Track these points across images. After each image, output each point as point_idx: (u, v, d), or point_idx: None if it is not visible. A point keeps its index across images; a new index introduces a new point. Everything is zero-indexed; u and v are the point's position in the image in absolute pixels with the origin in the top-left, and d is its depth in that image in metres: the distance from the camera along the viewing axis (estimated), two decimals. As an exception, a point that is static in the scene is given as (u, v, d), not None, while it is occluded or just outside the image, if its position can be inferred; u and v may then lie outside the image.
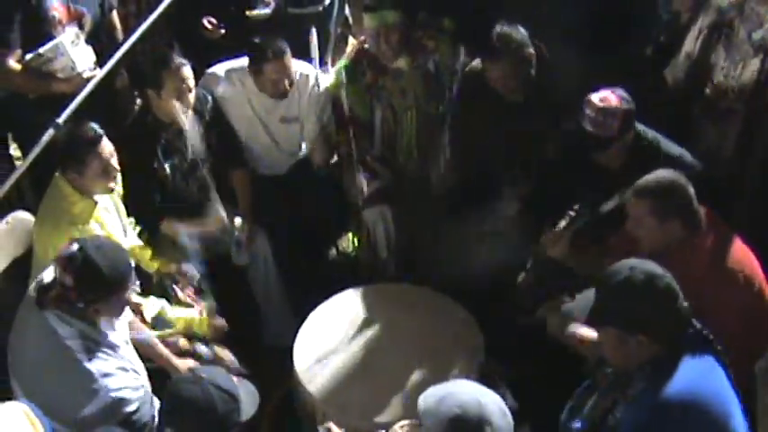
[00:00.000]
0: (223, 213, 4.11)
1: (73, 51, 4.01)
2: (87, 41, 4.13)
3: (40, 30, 4.02)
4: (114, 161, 3.61)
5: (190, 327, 3.73)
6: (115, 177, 3.65)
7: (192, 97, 4.06)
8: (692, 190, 3.20)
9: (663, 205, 3.18)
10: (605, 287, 2.68)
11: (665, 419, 2.52)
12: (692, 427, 2.53)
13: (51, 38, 4.00)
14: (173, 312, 3.76)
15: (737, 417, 2.62)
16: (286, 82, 4.31)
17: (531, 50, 3.94)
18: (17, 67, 4.01)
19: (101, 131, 3.56)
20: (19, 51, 4.00)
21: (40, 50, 3.97)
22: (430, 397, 2.42)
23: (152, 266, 3.95)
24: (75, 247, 2.95)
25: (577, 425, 2.80)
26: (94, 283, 2.93)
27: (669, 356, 2.61)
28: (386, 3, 4.15)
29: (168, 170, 4.13)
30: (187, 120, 4.08)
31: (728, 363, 2.68)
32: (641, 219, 3.23)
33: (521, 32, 3.91)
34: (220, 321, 3.77)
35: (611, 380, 2.76)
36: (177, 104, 4.01)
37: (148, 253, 3.96)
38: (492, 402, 2.39)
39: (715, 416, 2.55)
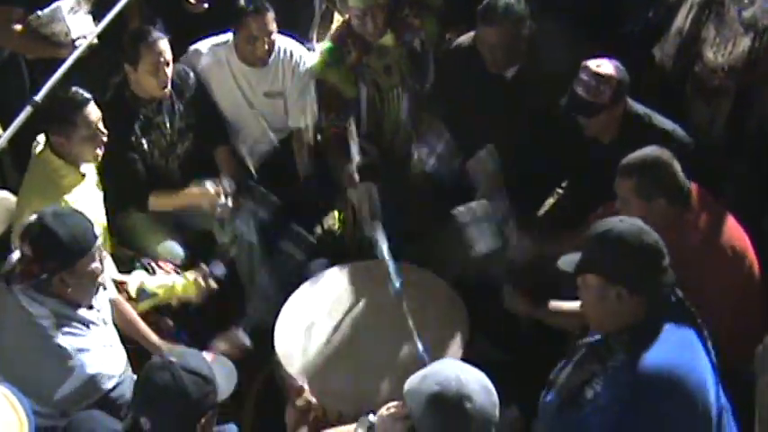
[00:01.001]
0: (211, 188, 4.05)
1: (69, 18, 4.08)
2: (93, 11, 4.17)
3: None
4: (102, 126, 3.62)
5: (171, 292, 3.70)
6: (102, 143, 3.64)
7: (169, 71, 4.01)
8: (677, 167, 3.18)
9: (647, 183, 3.16)
10: (593, 236, 2.70)
11: (644, 391, 2.52)
12: (670, 399, 2.53)
13: (55, 1, 4.05)
14: (152, 282, 3.72)
15: (713, 389, 2.62)
16: (265, 43, 4.26)
17: (528, 23, 3.90)
18: (17, 26, 4.07)
19: (88, 95, 3.57)
20: (20, 10, 4.05)
21: (39, 12, 4.03)
22: (413, 377, 2.43)
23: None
24: (33, 217, 2.96)
25: (549, 397, 2.79)
26: (53, 250, 2.91)
27: (649, 325, 2.61)
28: None
29: (146, 147, 4.09)
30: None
31: (707, 334, 2.68)
32: (627, 198, 3.22)
33: (523, 3, 3.87)
34: (213, 285, 3.73)
35: (587, 351, 2.74)
36: (154, 79, 3.97)
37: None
38: (474, 380, 2.38)
39: (692, 388, 2.55)
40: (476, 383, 2.37)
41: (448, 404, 2.32)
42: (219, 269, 3.96)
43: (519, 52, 3.94)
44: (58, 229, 2.91)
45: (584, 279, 2.71)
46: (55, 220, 2.92)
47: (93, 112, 3.59)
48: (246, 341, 3.54)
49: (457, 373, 2.38)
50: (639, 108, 3.67)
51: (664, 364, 2.54)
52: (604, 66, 3.56)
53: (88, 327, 3.03)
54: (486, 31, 3.89)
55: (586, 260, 2.70)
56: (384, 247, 3.49)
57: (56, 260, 2.93)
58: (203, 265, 3.80)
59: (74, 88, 3.55)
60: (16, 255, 3.03)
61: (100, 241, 3.08)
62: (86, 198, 3.63)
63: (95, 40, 3.56)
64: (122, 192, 3.96)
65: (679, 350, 2.58)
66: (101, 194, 3.80)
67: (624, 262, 2.61)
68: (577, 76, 3.59)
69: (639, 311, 2.62)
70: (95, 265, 3.02)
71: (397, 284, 3.44)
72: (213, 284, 3.74)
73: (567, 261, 2.77)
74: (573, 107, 3.62)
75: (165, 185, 4.14)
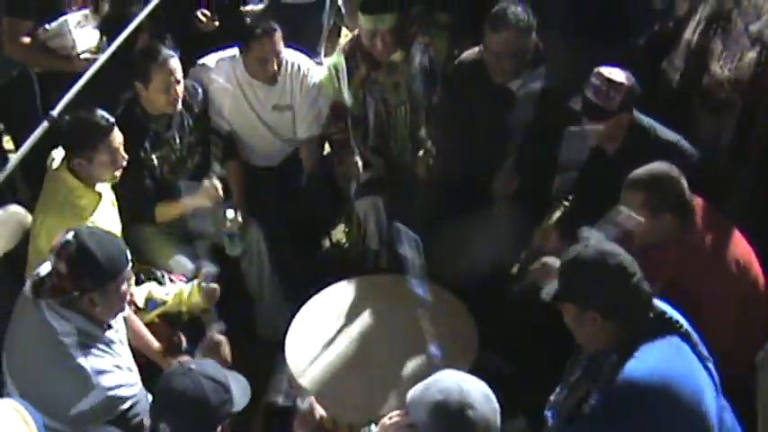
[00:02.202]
0: (217, 184, 4.09)
1: (76, 32, 4.15)
2: (100, 27, 4.25)
3: (56, 6, 4.14)
4: (123, 150, 3.63)
5: (180, 300, 3.71)
6: (121, 167, 3.66)
7: (180, 89, 4.04)
8: (685, 183, 3.19)
9: (655, 199, 3.17)
10: (563, 265, 2.76)
11: (634, 403, 2.54)
12: (663, 409, 2.54)
13: (63, 15, 4.12)
14: (161, 291, 3.75)
15: (709, 396, 2.63)
16: (275, 63, 4.29)
17: (534, 32, 3.92)
18: (26, 39, 4.13)
19: (112, 120, 3.58)
20: (28, 23, 4.12)
21: (47, 26, 4.10)
22: (416, 388, 2.47)
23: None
24: (70, 234, 2.93)
25: (550, 417, 2.84)
26: (89, 270, 2.90)
27: (634, 341, 2.63)
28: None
29: (156, 162, 4.12)
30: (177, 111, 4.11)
31: (698, 341, 2.70)
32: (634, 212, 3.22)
33: (530, 14, 3.89)
34: (212, 286, 3.71)
35: (582, 372, 2.78)
36: (165, 98, 3.99)
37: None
38: (474, 388, 2.42)
39: (686, 397, 2.56)
40: (477, 392, 2.41)
41: (451, 413, 2.36)
42: (211, 268, 3.90)
43: (524, 63, 3.95)
44: (95, 249, 2.89)
45: (562, 306, 2.76)
46: (92, 240, 2.91)
47: (117, 137, 3.59)
48: (220, 338, 3.43)
49: (458, 382, 2.41)
50: (644, 120, 3.68)
51: (652, 372, 2.56)
52: (616, 73, 3.59)
53: (109, 346, 3.02)
54: (493, 38, 3.90)
55: (558, 289, 2.76)
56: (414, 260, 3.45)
57: (90, 280, 2.91)
58: (201, 270, 3.80)
59: (99, 112, 3.54)
60: (45, 268, 3.02)
61: (130, 264, 3.06)
62: (104, 218, 3.63)
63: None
64: (132, 207, 3.97)
65: (667, 360, 2.60)
66: (116, 212, 3.82)
67: (590, 288, 2.66)
68: (589, 82, 3.61)
69: (621, 331, 2.65)
70: (125, 287, 3.03)
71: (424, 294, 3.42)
72: (214, 286, 3.71)
73: (548, 291, 2.81)
74: (583, 111, 3.64)
75: (175, 201, 4.15)
